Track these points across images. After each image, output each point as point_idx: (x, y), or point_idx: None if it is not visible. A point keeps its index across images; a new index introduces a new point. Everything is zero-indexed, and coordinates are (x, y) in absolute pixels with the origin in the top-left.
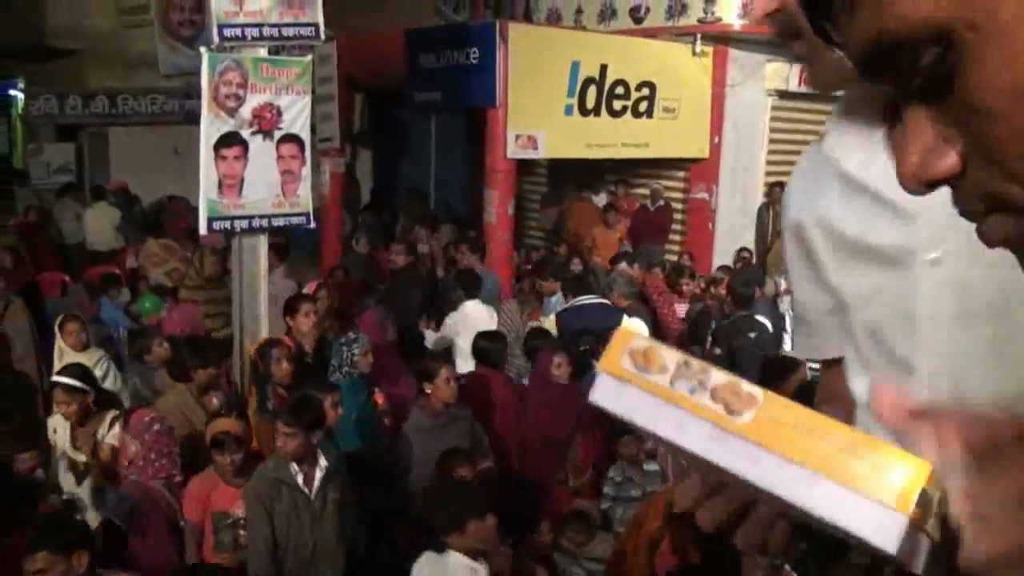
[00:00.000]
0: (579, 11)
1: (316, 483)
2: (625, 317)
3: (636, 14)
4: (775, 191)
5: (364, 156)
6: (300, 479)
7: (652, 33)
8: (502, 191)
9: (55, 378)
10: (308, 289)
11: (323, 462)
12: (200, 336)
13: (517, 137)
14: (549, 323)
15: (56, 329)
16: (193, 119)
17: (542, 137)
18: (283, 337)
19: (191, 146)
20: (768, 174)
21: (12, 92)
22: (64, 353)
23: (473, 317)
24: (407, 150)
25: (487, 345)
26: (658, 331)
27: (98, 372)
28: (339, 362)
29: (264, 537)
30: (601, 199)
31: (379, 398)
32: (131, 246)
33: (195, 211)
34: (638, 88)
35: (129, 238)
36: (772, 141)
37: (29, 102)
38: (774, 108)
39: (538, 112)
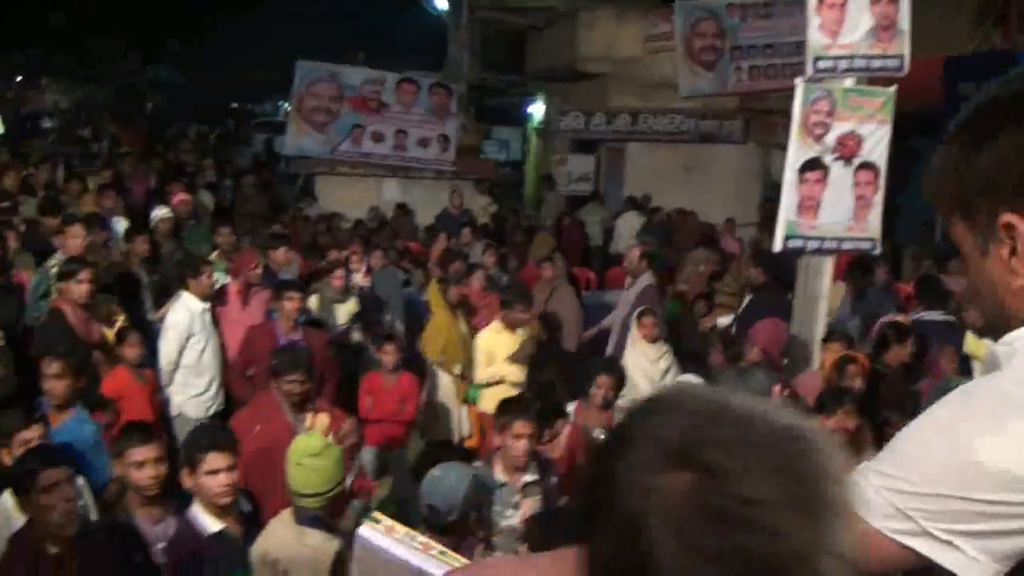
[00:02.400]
0: None
1: None
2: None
3: None
4: None
5: None
6: None
7: None
8: None
9: None
10: None
11: None
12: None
13: None
14: None
15: (634, 320)
16: (706, 139)
17: None
18: (859, 355)
19: (700, 164)
20: None
21: (530, 108)
22: (636, 343)
23: None
24: (918, 178)
25: None
26: None
27: (662, 365)
28: None
29: None
30: None
31: None
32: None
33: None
34: None
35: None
36: None
37: (559, 118)
38: None
39: None
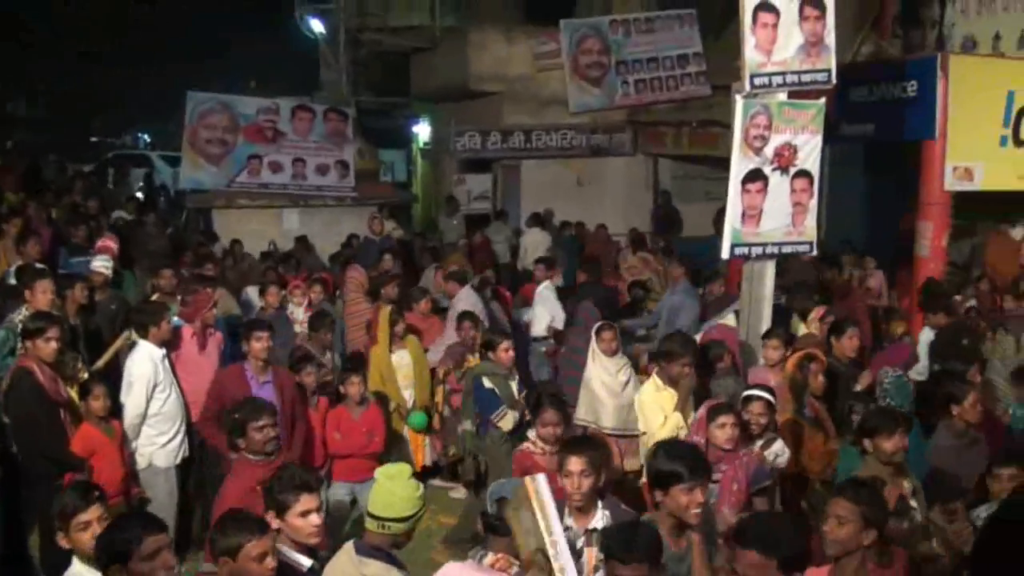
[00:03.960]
0: (997, 37)
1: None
2: None
3: None
4: None
5: None
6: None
7: None
8: (937, 224)
9: None
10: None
11: (907, 485)
12: None
13: (954, 169)
14: None
15: (593, 334)
16: (598, 152)
17: (979, 169)
18: (818, 352)
19: (593, 177)
20: None
21: (415, 129)
22: (596, 356)
23: None
24: None
25: None
26: None
27: (622, 377)
28: None
29: None
30: (1019, 232)
31: None
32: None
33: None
34: None
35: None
36: None
37: (455, 138)
38: None
39: (975, 144)
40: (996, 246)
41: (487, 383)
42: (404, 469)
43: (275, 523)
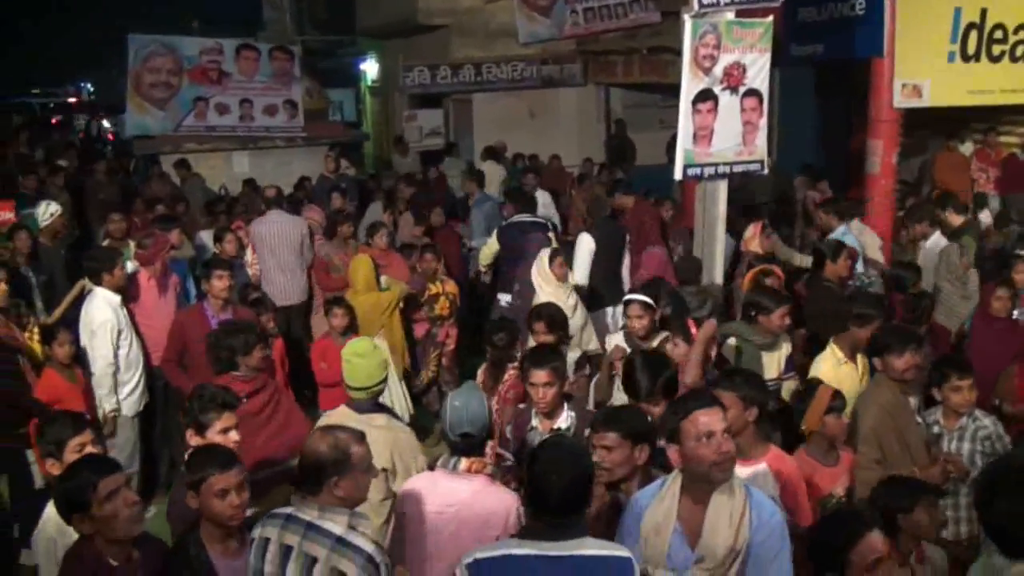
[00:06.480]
0: None
1: None
2: None
3: None
4: None
5: None
6: None
7: None
8: (887, 141)
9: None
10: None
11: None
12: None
13: (903, 86)
14: None
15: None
16: (549, 83)
17: (927, 86)
18: (773, 267)
19: (544, 109)
20: None
21: (362, 67)
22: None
23: None
24: None
25: None
26: None
27: (571, 302)
28: None
29: None
30: (967, 148)
31: None
32: None
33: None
34: (1015, 31)
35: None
36: None
37: (404, 74)
38: None
39: (922, 61)
40: (945, 162)
41: (732, 343)
42: (367, 342)
43: (195, 440)
